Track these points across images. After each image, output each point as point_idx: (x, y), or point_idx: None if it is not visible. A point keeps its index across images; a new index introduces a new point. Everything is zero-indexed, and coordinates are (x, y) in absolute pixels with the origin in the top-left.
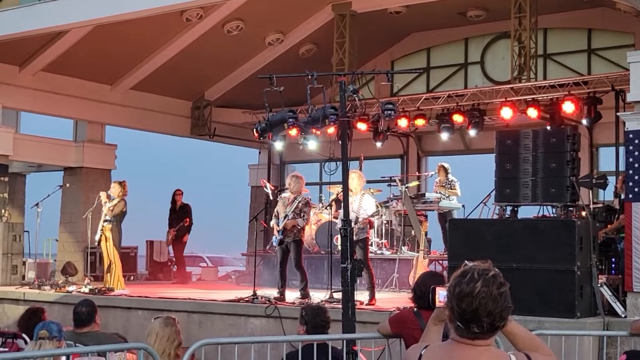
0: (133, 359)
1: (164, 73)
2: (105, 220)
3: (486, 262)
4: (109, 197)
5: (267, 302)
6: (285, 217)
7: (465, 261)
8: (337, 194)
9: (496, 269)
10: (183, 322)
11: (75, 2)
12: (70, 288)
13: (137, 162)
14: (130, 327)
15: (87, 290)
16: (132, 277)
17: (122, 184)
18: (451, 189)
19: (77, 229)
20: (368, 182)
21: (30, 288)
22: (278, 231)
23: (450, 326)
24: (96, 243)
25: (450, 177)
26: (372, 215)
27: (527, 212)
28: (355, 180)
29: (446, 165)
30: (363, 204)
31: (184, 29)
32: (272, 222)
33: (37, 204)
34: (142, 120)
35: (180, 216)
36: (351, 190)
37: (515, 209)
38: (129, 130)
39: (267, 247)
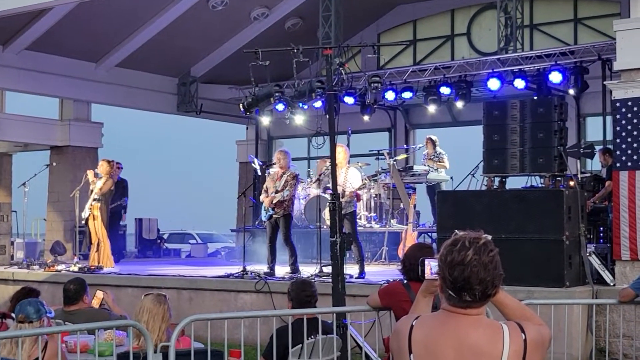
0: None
1: (149, 50)
2: (94, 199)
3: (478, 231)
4: (96, 175)
5: (257, 277)
6: (275, 192)
7: (456, 230)
8: (321, 169)
9: (487, 236)
10: (173, 299)
11: None
12: (60, 267)
13: (123, 140)
14: (121, 304)
15: (76, 269)
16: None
17: (110, 162)
18: (439, 161)
19: (65, 208)
20: (356, 155)
21: (19, 268)
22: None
23: (441, 296)
24: (83, 222)
25: (439, 149)
26: (360, 188)
27: (515, 182)
28: (340, 154)
29: (434, 137)
30: (349, 177)
31: (168, 4)
32: (262, 197)
33: (24, 184)
34: (128, 97)
35: (118, 191)
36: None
37: (504, 179)
38: (115, 108)
39: (256, 222)
